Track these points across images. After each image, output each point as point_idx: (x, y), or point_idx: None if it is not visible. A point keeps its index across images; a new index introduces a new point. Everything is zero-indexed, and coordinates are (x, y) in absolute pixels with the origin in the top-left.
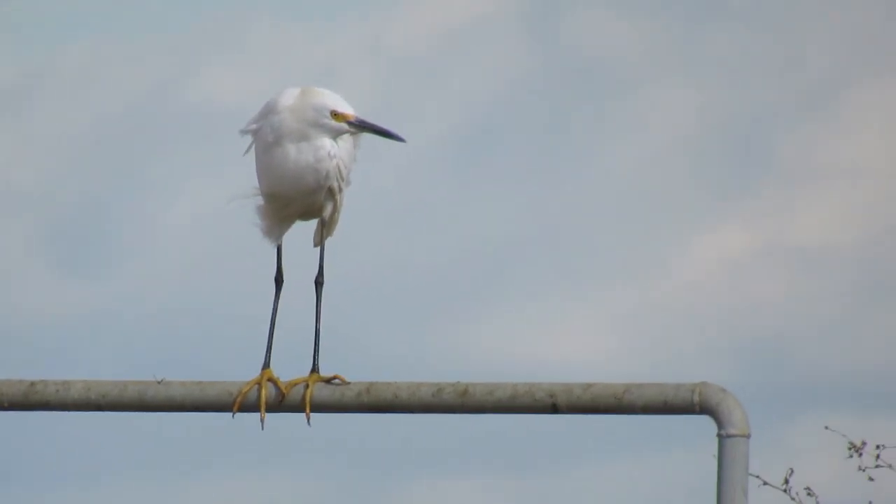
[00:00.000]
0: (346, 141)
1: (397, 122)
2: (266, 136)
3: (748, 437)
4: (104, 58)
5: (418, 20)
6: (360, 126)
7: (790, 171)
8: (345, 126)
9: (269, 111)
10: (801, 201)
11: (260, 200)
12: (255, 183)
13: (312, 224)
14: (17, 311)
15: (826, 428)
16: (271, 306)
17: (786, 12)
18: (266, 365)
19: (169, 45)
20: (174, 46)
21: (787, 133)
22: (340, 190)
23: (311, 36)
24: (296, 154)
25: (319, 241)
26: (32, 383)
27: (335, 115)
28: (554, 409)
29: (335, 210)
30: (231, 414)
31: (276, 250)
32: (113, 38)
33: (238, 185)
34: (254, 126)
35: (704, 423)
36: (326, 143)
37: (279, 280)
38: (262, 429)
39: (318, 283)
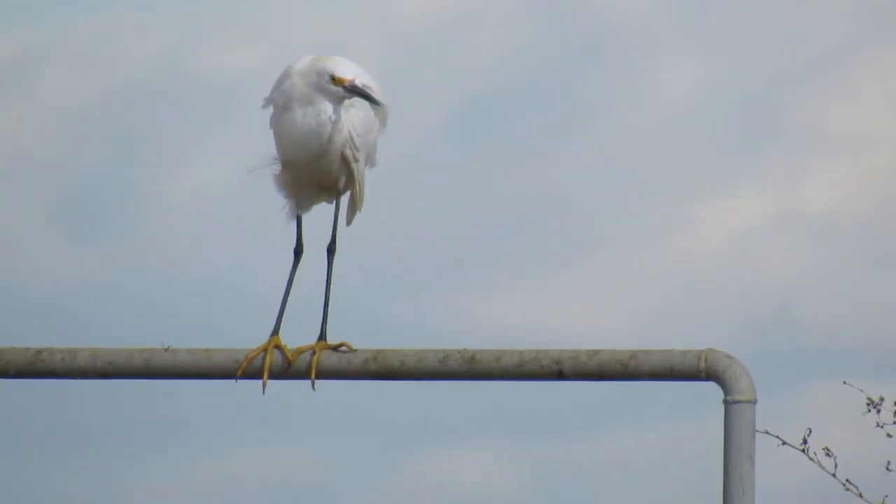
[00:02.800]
0: (360, 109)
1: (406, 92)
2: (278, 101)
3: (754, 402)
4: (114, 28)
5: None
6: (352, 90)
7: (799, 138)
8: (340, 90)
9: (283, 77)
10: (811, 169)
11: (277, 169)
12: (273, 152)
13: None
14: (26, 279)
15: (844, 383)
16: (288, 275)
17: None
18: (275, 332)
19: (179, 16)
20: (184, 17)
21: (796, 100)
22: (356, 160)
23: (321, 7)
24: (301, 118)
25: (350, 218)
26: (39, 351)
27: (334, 79)
28: (560, 375)
29: (351, 182)
30: (235, 380)
31: (296, 221)
32: (122, 9)
33: (251, 154)
34: (270, 95)
35: (711, 389)
36: (328, 107)
37: (298, 251)
38: (264, 393)
39: (330, 251)
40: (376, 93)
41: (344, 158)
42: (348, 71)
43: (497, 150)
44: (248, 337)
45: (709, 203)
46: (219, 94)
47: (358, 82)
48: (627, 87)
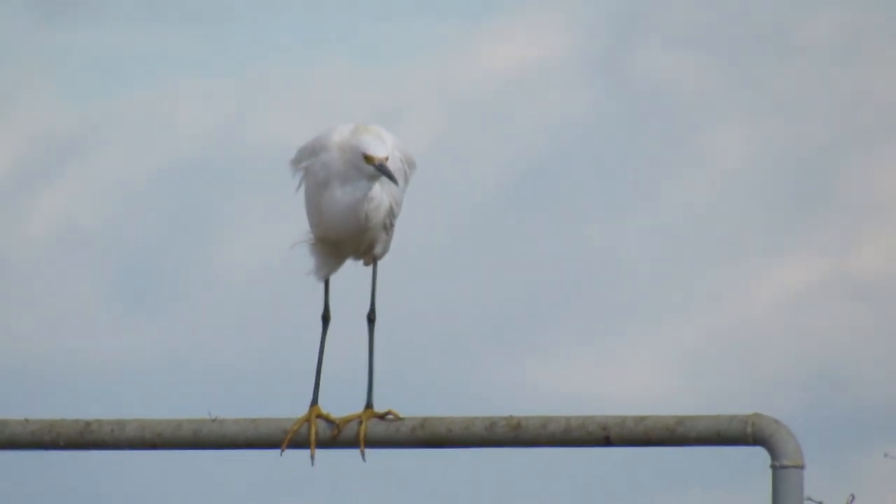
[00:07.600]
0: (398, 178)
1: (461, 161)
2: (317, 173)
3: (802, 468)
4: (170, 101)
5: (485, 62)
6: (380, 170)
7: (852, 201)
8: (372, 169)
9: (319, 148)
10: (863, 232)
11: (312, 239)
12: (306, 225)
13: (360, 262)
14: (76, 351)
15: (885, 455)
16: (319, 343)
17: (845, 49)
18: (314, 402)
19: (234, 89)
20: (240, 89)
21: (850, 164)
22: (392, 225)
23: (377, 78)
24: (341, 196)
25: (370, 259)
26: (88, 423)
27: (366, 157)
28: (607, 441)
29: (386, 246)
30: (280, 453)
31: (323, 287)
32: (178, 82)
33: (298, 226)
34: (305, 163)
35: (759, 454)
36: (366, 185)
37: (326, 317)
38: (313, 465)
39: (371, 319)
40: (410, 160)
41: (383, 228)
42: (380, 149)
43: (547, 215)
44: (296, 407)
45: (760, 267)
46: (274, 166)
47: (387, 158)
48: (681, 152)
